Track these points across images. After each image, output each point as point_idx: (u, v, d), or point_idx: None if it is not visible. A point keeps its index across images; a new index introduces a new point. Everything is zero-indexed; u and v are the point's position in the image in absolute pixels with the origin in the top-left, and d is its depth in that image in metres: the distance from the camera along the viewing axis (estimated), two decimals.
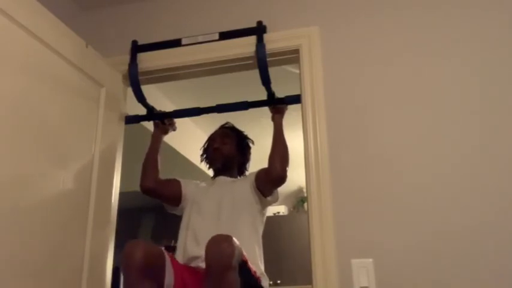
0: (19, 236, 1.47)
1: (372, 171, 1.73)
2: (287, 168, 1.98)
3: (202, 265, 1.59)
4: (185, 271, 1.76)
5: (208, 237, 1.84)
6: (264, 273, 1.93)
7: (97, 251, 1.83)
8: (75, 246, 1.73)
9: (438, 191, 1.66)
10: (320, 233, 1.69)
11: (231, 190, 2.04)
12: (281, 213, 5.49)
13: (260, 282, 1.83)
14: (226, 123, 2.33)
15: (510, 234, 1.56)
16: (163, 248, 1.75)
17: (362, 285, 1.60)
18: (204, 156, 2.27)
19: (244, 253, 1.65)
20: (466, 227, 1.60)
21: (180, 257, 1.94)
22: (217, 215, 1.96)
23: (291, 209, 5.87)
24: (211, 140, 2.25)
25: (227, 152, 2.17)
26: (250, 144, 2.30)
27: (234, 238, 1.54)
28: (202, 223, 1.96)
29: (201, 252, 1.76)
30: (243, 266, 1.64)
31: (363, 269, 1.62)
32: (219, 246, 1.49)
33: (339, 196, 1.72)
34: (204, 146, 2.29)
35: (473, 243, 1.58)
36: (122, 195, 2.07)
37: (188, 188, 2.14)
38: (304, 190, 4.61)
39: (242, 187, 2.05)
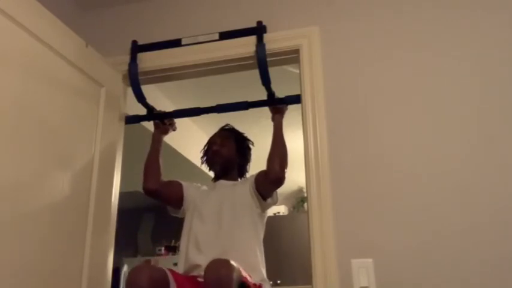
0: (19, 236, 1.47)
1: (372, 171, 1.73)
2: (286, 170, 1.98)
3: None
4: (188, 284, 1.76)
5: (209, 245, 1.86)
6: (266, 279, 1.92)
7: (97, 251, 1.83)
8: (75, 247, 1.73)
9: (438, 191, 1.66)
10: (320, 233, 1.69)
11: (231, 194, 2.04)
12: (281, 213, 5.49)
13: None
14: (226, 125, 2.32)
15: (510, 234, 1.56)
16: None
17: (362, 285, 1.60)
18: (204, 159, 2.26)
19: (243, 273, 1.65)
20: (466, 227, 1.60)
21: (182, 264, 1.95)
22: (218, 220, 1.96)
23: (291, 209, 5.87)
24: (210, 142, 2.24)
25: (227, 154, 2.16)
26: (250, 146, 2.29)
27: (231, 262, 1.55)
28: (203, 230, 1.96)
29: (203, 260, 1.78)
30: (243, 286, 1.64)
31: (363, 269, 1.62)
32: (218, 273, 1.51)
33: (339, 196, 1.72)
34: (204, 148, 2.28)
35: (473, 243, 1.58)
36: (122, 195, 2.07)
37: (189, 191, 2.14)
38: (304, 190, 4.61)
39: (242, 191, 2.04)
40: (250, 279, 1.74)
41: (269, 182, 1.99)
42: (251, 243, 1.94)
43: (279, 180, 1.97)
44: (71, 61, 1.78)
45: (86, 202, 1.80)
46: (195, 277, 1.85)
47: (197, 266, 1.86)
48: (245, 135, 2.30)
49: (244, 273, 1.67)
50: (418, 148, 1.72)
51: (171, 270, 1.71)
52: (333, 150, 1.78)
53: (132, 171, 2.33)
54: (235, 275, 1.54)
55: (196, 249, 1.91)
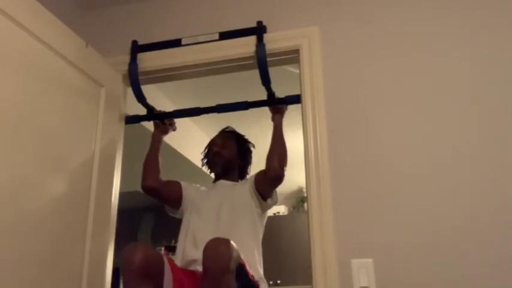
0: (19, 236, 1.47)
1: (372, 171, 1.73)
2: (285, 168, 1.98)
3: (200, 268, 1.60)
4: (183, 274, 1.76)
5: (207, 240, 1.85)
6: (263, 278, 1.92)
7: (97, 251, 1.83)
8: (75, 247, 1.73)
9: (438, 191, 1.66)
10: (320, 233, 1.69)
11: (231, 194, 2.04)
12: (281, 213, 5.49)
13: (258, 286, 1.83)
14: (227, 127, 2.32)
15: (510, 234, 1.56)
16: (162, 250, 1.76)
17: (362, 285, 1.60)
18: (205, 160, 2.27)
19: (242, 256, 1.65)
20: (466, 227, 1.60)
21: (179, 260, 1.95)
22: (216, 219, 1.96)
23: (291, 209, 5.87)
24: (211, 144, 2.24)
25: (227, 155, 2.17)
26: (251, 148, 2.29)
27: (231, 241, 1.55)
28: (201, 227, 1.96)
29: (200, 255, 1.78)
30: (241, 269, 1.64)
31: (363, 269, 1.62)
32: (217, 249, 1.50)
33: (339, 196, 1.72)
34: (204, 150, 2.28)
35: (473, 242, 1.58)
36: (122, 195, 2.07)
37: (188, 191, 2.14)
38: (304, 190, 4.62)
39: (242, 191, 2.04)
40: (249, 270, 1.75)
41: (268, 180, 1.99)
42: (249, 243, 1.94)
43: (278, 178, 1.97)
44: (71, 61, 1.78)
45: (86, 202, 1.80)
46: (191, 270, 1.85)
47: (194, 261, 1.86)
48: (246, 137, 2.30)
49: (243, 257, 1.67)
50: (418, 148, 1.72)
51: (168, 258, 1.71)
52: (333, 150, 1.78)
53: (132, 171, 2.33)
54: (234, 254, 1.53)
55: (193, 245, 1.92)
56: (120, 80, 2.12)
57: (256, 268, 1.90)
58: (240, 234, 1.92)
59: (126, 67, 2.11)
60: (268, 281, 1.96)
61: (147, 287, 1.55)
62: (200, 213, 2.01)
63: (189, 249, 1.92)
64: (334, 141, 1.79)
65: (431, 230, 1.62)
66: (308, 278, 1.74)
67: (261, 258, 1.98)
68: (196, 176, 3.28)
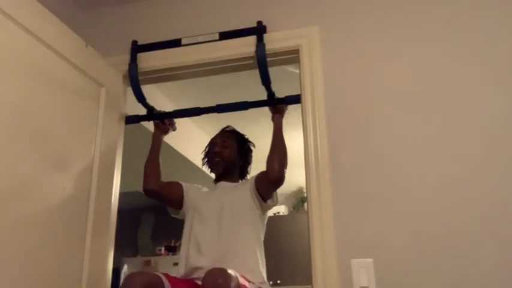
0: (20, 236, 1.47)
1: (372, 171, 1.73)
2: (285, 170, 1.98)
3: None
4: (185, 285, 1.76)
5: (210, 247, 1.87)
6: (266, 281, 1.92)
7: (97, 251, 1.83)
8: (76, 247, 1.73)
9: (438, 191, 1.66)
10: (320, 233, 1.69)
11: (232, 196, 2.03)
12: (281, 213, 5.50)
13: None
14: (227, 127, 2.32)
15: (510, 234, 1.56)
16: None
17: (362, 285, 1.60)
18: (206, 160, 2.26)
19: (241, 281, 1.66)
20: (466, 227, 1.60)
21: (182, 266, 1.95)
22: (218, 222, 1.96)
23: (291, 209, 5.88)
24: (212, 144, 2.24)
25: (228, 156, 2.16)
26: (252, 147, 2.29)
27: (229, 271, 1.57)
28: (204, 232, 1.96)
29: (203, 262, 1.78)
30: None
31: (363, 269, 1.62)
32: (215, 283, 1.52)
33: (339, 196, 1.72)
34: (205, 150, 2.28)
35: (473, 243, 1.58)
36: (122, 195, 2.07)
37: (190, 192, 2.13)
38: (304, 190, 4.62)
39: (243, 192, 2.04)
40: (249, 285, 1.74)
41: (269, 182, 1.99)
42: (251, 245, 1.94)
43: (279, 180, 1.97)
44: (71, 61, 1.78)
45: (86, 202, 1.80)
46: (193, 279, 1.85)
47: (198, 269, 1.86)
48: (246, 136, 2.30)
49: (242, 281, 1.67)
50: (419, 148, 1.72)
51: (166, 275, 1.71)
52: (333, 150, 1.78)
53: (132, 171, 2.33)
54: (232, 285, 1.55)
55: (196, 252, 1.92)
56: (120, 80, 2.12)
57: (259, 271, 1.90)
58: (242, 237, 1.92)
59: (126, 67, 2.11)
60: (268, 281, 1.96)
61: None
62: (202, 217, 2.01)
63: (193, 256, 1.92)
64: (334, 141, 1.79)
65: (432, 230, 1.62)
66: (308, 278, 1.74)
67: (264, 259, 1.98)
68: (196, 175, 3.29)
